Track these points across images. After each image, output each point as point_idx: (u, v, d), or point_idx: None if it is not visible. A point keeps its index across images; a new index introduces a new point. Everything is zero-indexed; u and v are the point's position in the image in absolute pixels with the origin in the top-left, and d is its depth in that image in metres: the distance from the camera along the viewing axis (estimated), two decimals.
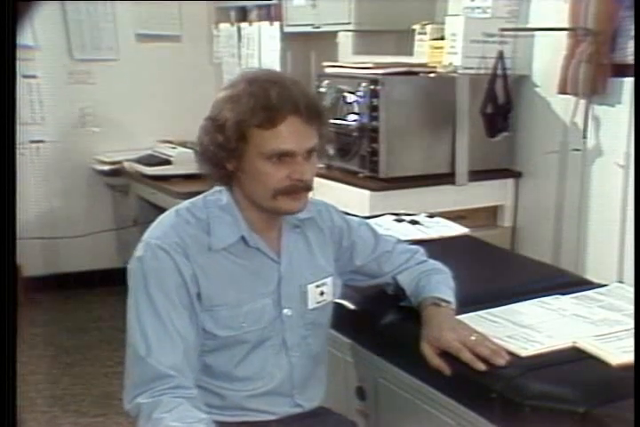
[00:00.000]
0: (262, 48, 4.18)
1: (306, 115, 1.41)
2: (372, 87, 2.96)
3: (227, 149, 1.42)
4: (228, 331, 1.48)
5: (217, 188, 1.53)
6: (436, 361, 1.49)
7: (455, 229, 2.32)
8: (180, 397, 1.36)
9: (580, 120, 2.92)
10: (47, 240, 4.35)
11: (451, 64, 3.01)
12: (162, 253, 1.43)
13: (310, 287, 1.57)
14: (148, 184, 4.03)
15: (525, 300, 1.71)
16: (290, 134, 1.40)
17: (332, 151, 3.17)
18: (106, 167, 4.31)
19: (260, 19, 4.26)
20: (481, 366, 1.43)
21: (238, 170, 1.45)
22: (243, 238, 1.49)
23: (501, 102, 3.02)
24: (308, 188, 1.47)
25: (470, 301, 1.67)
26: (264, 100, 1.38)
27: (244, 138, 1.40)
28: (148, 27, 4.46)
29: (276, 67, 3.96)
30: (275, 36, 4.05)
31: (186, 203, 1.54)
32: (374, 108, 2.97)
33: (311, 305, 1.58)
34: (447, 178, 3.10)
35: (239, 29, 4.36)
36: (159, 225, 1.50)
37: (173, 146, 4.17)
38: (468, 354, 1.45)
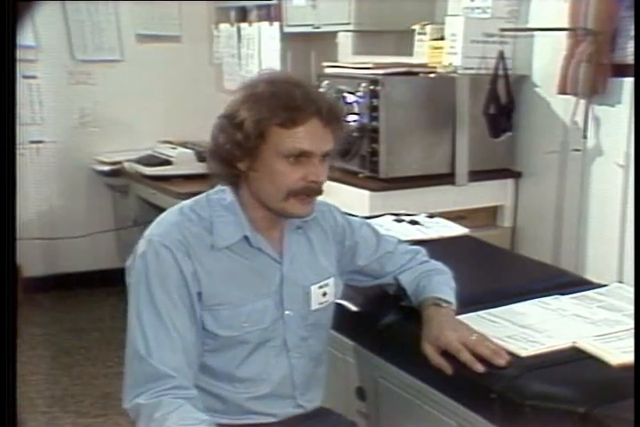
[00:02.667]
0: (262, 48, 4.18)
1: (327, 118, 1.42)
2: (371, 87, 2.96)
3: (243, 148, 1.42)
4: (229, 331, 1.47)
5: (220, 187, 1.53)
6: (438, 360, 1.48)
7: (455, 230, 2.32)
8: (180, 397, 1.35)
9: (580, 120, 2.92)
10: (47, 240, 4.35)
11: (451, 64, 3.01)
12: (164, 251, 1.43)
13: (313, 288, 1.57)
14: (148, 184, 4.02)
15: (525, 300, 1.71)
16: (309, 135, 1.41)
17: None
18: (106, 168, 4.31)
19: (260, 19, 4.26)
20: (479, 368, 1.43)
21: (251, 169, 1.45)
22: (245, 238, 1.49)
23: (504, 102, 3.03)
24: (320, 191, 1.48)
25: (470, 301, 1.67)
26: (288, 101, 1.39)
27: (262, 136, 1.41)
28: (148, 27, 4.46)
29: (276, 67, 3.96)
30: (275, 37, 4.05)
31: (189, 201, 1.53)
32: (374, 109, 2.97)
33: (314, 306, 1.57)
34: (447, 178, 3.10)
35: (239, 30, 4.36)
36: (162, 222, 1.49)
37: (173, 146, 4.17)
38: (467, 354, 1.45)
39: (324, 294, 1.59)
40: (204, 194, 1.54)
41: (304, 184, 1.44)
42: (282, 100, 1.39)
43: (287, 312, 1.54)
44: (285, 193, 1.44)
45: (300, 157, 1.42)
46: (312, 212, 1.51)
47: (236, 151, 1.43)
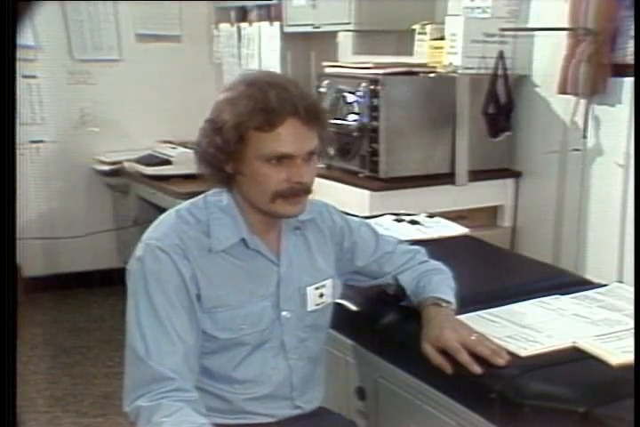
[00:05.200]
0: (262, 48, 4.18)
1: (305, 117, 1.40)
2: (371, 87, 2.96)
3: (225, 152, 1.42)
4: (227, 333, 1.47)
5: (217, 188, 1.53)
6: (439, 360, 1.48)
7: (455, 229, 2.32)
8: (180, 400, 1.35)
9: (580, 120, 2.92)
10: (47, 240, 4.36)
11: (451, 64, 3.01)
12: (162, 255, 1.43)
13: (309, 289, 1.57)
14: (148, 184, 4.03)
15: (525, 300, 1.71)
16: (289, 137, 1.40)
17: (332, 151, 3.17)
18: (106, 167, 4.31)
19: (260, 19, 4.26)
20: (477, 370, 1.43)
21: (237, 172, 1.45)
22: (243, 240, 1.49)
23: (503, 102, 3.02)
24: (308, 191, 1.47)
25: (470, 301, 1.67)
26: (263, 103, 1.38)
27: (242, 140, 1.40)
28: (148, 27, 4.46)
29: (276, 67, 3.96)
30: (275, 36, 4.05)
31: (186, 203, 1.53)
32: (374, 108, 2.97)
33: (310, 307, 1.57)
34: (447, 178, 3.10)
35: (239, 29, 4.36)
36: (159, 226, 1.49)
37: (173, 146, 4.17)
38: (465, 356, 1.45)
39: (321, 295, 1.59)
40: (201, 196, 1.54)
41: (288, 185, 1.43)
42: (258, 103, 1.38)
43: (284, 313, 1.53)
44: (271, 195, 1.43)
45: (282, 158, 1.41)
46: (302, 210, 1.50)
47: (220, 155, 1.42)
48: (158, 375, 1.37)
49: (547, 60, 3.07)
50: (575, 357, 1.45)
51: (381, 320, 1.71)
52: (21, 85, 4.06)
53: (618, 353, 1.43)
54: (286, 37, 4.01)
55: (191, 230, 1.46)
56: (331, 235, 1.65)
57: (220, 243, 1.47)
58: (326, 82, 3.20)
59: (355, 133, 3.04)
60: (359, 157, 3.09)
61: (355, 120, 3.03)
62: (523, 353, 1.46)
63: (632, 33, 2.69)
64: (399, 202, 2.85)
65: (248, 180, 1.44)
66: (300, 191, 1.45)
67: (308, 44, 4.13)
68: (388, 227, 2.21)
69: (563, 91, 2.88)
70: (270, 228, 1.54)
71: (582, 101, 2.87)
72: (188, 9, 4.53)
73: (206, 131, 1.44)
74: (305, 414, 1.60)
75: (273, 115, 1.38)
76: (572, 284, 1.87)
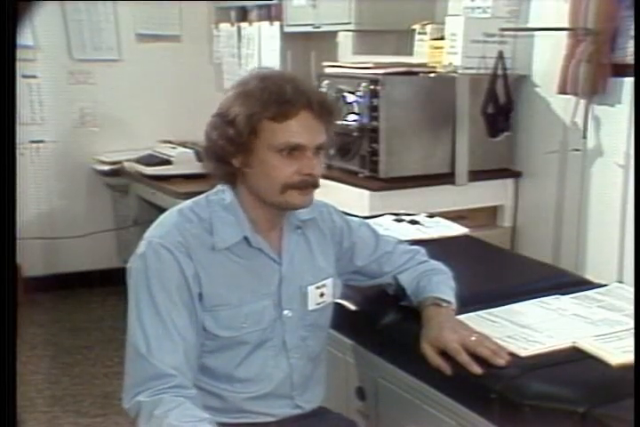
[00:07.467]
0: (262, 48, 4.18)
1: (318, 111, 1.42)
2: (372, 87, 2.96)
3: (236, 143, 1.42)
4: (228, 331, 1.47)
5: (219, 187, 1.53)
6: (437, 361, 1.48)
7: (455, 229, 2.32)
8: (181, 396, 1.35)
9: (580, 120, 2.92)
10: (47, 240, 4.35)
11: (451, 64, 3.01)
12: (164, 252, 1.43)
13: (310, 289, 1.57)
14: (148, 184, 4.03)
15: (525, 300, 1.71)
16: (301, 128, 1.41)
17: (332, 151, 3.17)
18: (106, 167, 4.31)
19: (260, 19, 4.27)
20: (477, 370, 1.43)
21: (245, 166, 1.45)
22: (245, 239, 1.49)
23: (502, 102, 3.02)
24: (316, 184, 1.48)
25: (470, 301, 1.67)
26: (278, 94, 1.39)
27: (254, 131, 1.41)
28: (148, 27, 4.46)
29: (276, 67, 3.96)
30: (275, 36, 4.05)
31: (188, 202, 1.53)
32: (374, 108, 2.97)
33: (311, 306, 1.57)
34: (447, 178, 3.10)
35: (239, 29, 4.36)
36: (162, 224, 1.49)
37: (173, 146, 4.17)
38: (465, 357, 1.45)
39: (322, 295, 1.59)
40: (203, 195, 1.54)
41: (299, 178, 1.44)
42: (272, 95, 1.39)
43: (285, 312, 1.54)
44: (281, 187, 1.44)
45: (294, 150, 1.42)
46: (311, 203, 1.51)
47: (230, 147, 1.43)
48: (159, 372, 1.37)
49: (547, 60, 3.08)
50: (575, 357, 1.46)
51: (381, 320, 1.71)
52: (21, 85, 4.06)
53: (618, 353, 1.43)
54: (286, 37, 4.01)
55: (194, 228, 1.46)
56: (331, 234, 1.65)
57: (222, 241, 1.47)
58: (326, 82, 3.20)
59: (355, 133, 3.04)
60: (359, 157, 3.09)
61: (355, 120, 3.03)
62: (523, 353, 1.46)
63: (632, 33, 2.69)
64: (399, 202, 2.85)
65: (257, 172, 1.45)
66: (309, 184, 1.46)
67: (308, 44, 4.14)
68: (387, 227, 2.21)
69: (562, 91, 2.88)
70: (273, 225, 1.54)
71: (582, 101, 2.87)
72: (187, 9, 4.53)
73: (216, 124, 1.44)
74: (305, 414, 1.60)
75: (288, 106, 1.39)
76: (572, 284, 1.87)
